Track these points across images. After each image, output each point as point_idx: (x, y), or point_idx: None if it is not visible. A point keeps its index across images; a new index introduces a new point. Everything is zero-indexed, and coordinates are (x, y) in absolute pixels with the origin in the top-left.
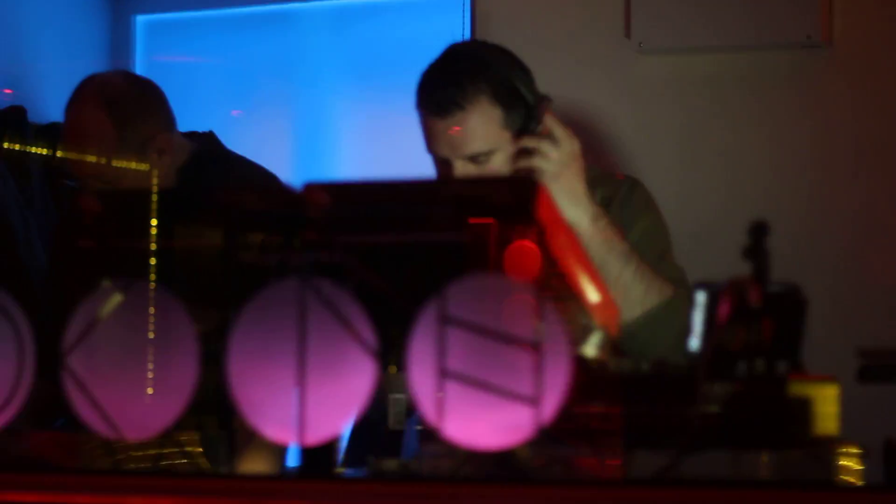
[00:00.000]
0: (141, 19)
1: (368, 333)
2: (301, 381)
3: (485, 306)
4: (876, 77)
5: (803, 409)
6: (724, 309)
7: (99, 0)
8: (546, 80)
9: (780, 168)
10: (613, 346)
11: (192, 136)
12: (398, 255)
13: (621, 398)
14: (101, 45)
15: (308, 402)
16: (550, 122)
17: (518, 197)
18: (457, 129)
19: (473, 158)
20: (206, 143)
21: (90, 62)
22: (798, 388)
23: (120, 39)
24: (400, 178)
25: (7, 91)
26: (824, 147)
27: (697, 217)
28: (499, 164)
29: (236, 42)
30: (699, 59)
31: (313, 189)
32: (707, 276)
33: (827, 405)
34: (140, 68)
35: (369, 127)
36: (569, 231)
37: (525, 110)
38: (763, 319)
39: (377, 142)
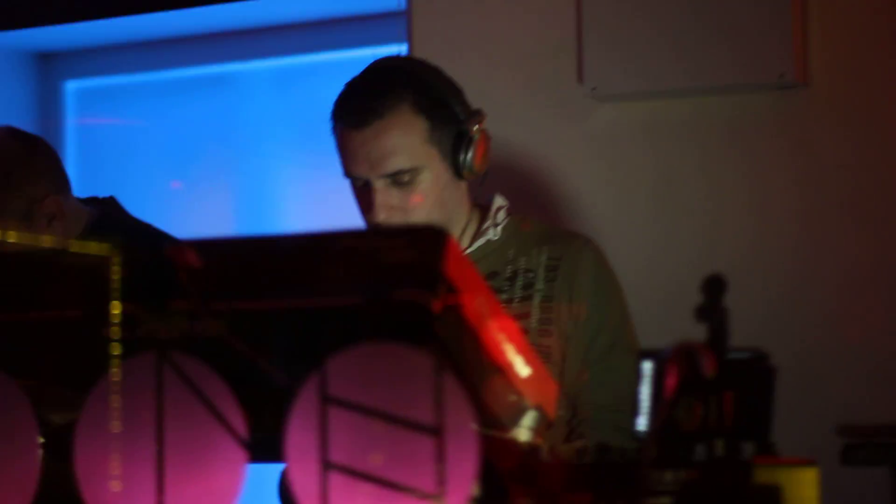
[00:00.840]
0: (71, 85)
1: (239, 420)
2: (158, 477)
3: (375, 382)
4: (858, 115)
5: (774, 499)
6: (670, 381)
7: (27, 65)
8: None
9: (758, 216)
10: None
11: (92, 201)
12: (281, 324)
13: (556, 489)
14: (29, 111)
15: None
16: None
17: (423, 252)
18: (374, 141)
19: (396, 179)
20: (108, 209)
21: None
22: (767, 474)
23: (49, 105)
24: (285, 232)
25: None
26: (807, 194)
27: (672, 275)
28: (426, 187)
29: (173, 106)
30: (664, 103)
31: (181, 249)
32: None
33: (804, 490)
34: (71, 134)
35: (315, 188)
36: (489, 294)
37: (454, 127)
38: (723, 392)
39: (324, 203)
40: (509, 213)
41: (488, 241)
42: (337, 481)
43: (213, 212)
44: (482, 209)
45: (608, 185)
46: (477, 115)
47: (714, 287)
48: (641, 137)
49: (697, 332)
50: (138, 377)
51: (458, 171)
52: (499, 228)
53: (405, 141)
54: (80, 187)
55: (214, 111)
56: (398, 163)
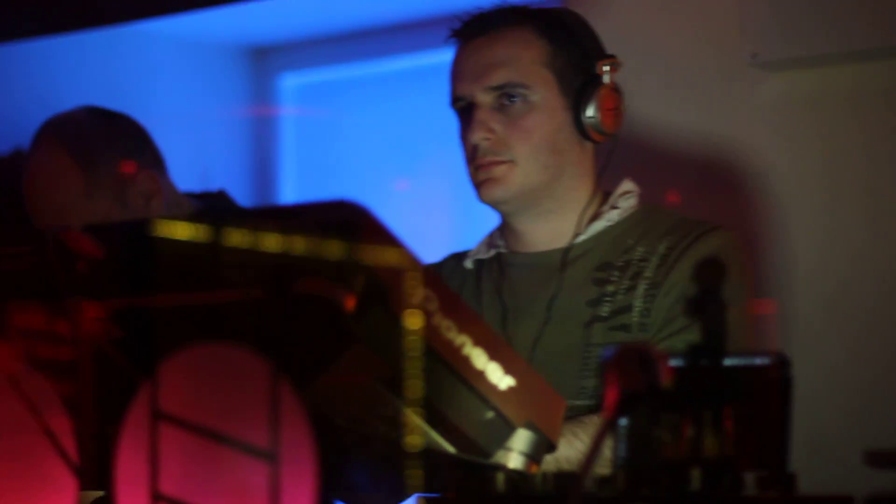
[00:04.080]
0: (287, 79)
1: (71, 442)
2: None
3: (207, 393)
4: None
5: None
6: (609, 394)
7: (242, 60)
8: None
9: None
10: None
11: (200, 196)
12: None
13: None
14: (244, 106)
15: None
16: None
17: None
18: (485, 49)
19: (501, 94)
20: (214, 203)
21: (236, 122)
22: None
23: (265, 100)
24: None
25: None
26: None
27: (841, 263)
28: (536, 119)
29: (393, 98)
30: (830, 70)
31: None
32: (847, 342)
33: None
34: (287, 129)
35: None
36: (441, 287)
37: (581, 59)
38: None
39: None
40: (639, 201)
41: (606, 228)
42: None
43: (437, 213)
44: (607, 194)
45: (778, 157)
46: (610, 60)
47: (706, 273)
48: (807, 107)
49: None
50: None
51: (578, 116)
52: (615, 213)
53: (519, 54)
54: (297, 182)
55: (438, 103)
56: (506, 74)
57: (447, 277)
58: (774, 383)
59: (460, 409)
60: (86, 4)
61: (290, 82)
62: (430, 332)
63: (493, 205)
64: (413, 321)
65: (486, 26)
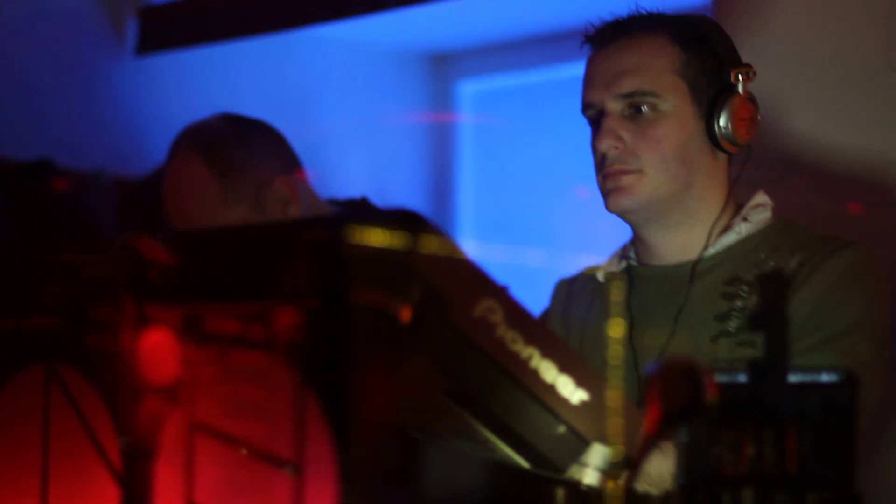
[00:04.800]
0: (465, 85)
1: (116, 450)
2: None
3: (240, 404)
4: None
5: None
6: (651, 411)
7: (422, 67)
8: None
9: None
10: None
11: (342, 203)
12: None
13: None
14: (423, 112)
15: None
16: None
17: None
18: (616, 56)
19: (632, 104)
20: (358, 210)
21: (414, 128)
22: None
23: (443, 106)
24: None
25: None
26: None
27: None
28: (667, 128)
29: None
30: None
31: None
32: None
33: None
34: (465, 135)
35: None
36: (506, 298)
37: (715, 68)
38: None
39: None
40: (773, 215)
41: (736, 242)
42: None
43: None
44: (740, 206)
45: None
46: (745, 68)
47: (772, 286)
48: None
49: None
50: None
51: (710, 125)
52: (746, 226)
53: (650, 62)
54: (474, 188)
55: None
56: (637, 82)
57: (579, 290)
58: (842, 402)
59: (529, 423)
60: (265, 10)
61: (469, 89)
62: (494, 343)
63: (621, 214)
64: (476, 332)
65: (619, 33)
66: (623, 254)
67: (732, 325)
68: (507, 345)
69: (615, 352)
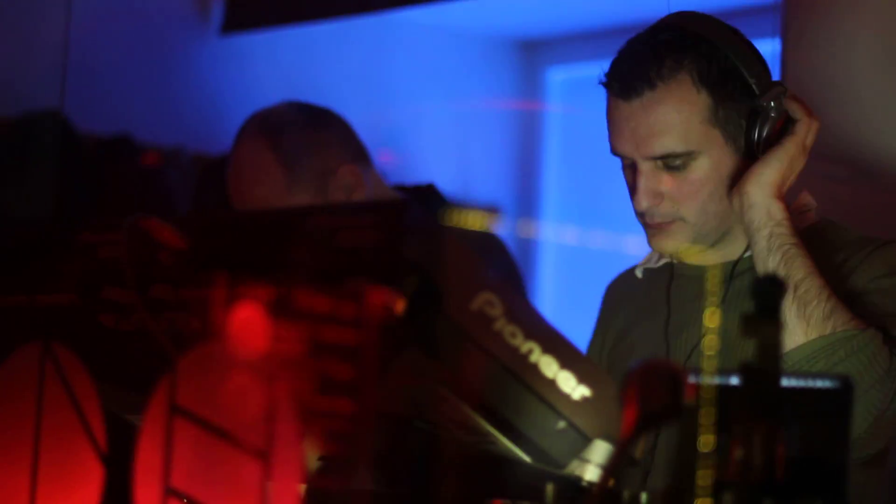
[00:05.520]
0: (554, 72)
1: (101, 428)
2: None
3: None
4: None
5: None
6: (628, 413)
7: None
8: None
9: None
10: (626, 464)
11: (410, 190)
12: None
13: None
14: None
15: None
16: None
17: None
18: (642, 115)
19: (666, 162)
20: (421, 197)
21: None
22: None
23: (532, 93)
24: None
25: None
26: None
27: None
28: (702, 174)
29: None
30: None
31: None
32: None
33: None
34: (553, 123)
35: None
36: (506, 291)
37: (745, 96)
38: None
39: None
40: (817, 217)
41: None
42: None
43: None
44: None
45: None
46: (776, 89)
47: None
48: None
49: None
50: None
51: (749, 156)
52: None
53: (679, 118)
54: (559, 176)
55: None
56: (668, 144)
57: (619, 286)
58: (836, 408)
59: (529, 418)
60: None
61: (557, 76)
62: (492, 337)
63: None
64: (472, 325)
65: (640, 84)
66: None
67: None
68: (505, 339)
69: (711, 341)
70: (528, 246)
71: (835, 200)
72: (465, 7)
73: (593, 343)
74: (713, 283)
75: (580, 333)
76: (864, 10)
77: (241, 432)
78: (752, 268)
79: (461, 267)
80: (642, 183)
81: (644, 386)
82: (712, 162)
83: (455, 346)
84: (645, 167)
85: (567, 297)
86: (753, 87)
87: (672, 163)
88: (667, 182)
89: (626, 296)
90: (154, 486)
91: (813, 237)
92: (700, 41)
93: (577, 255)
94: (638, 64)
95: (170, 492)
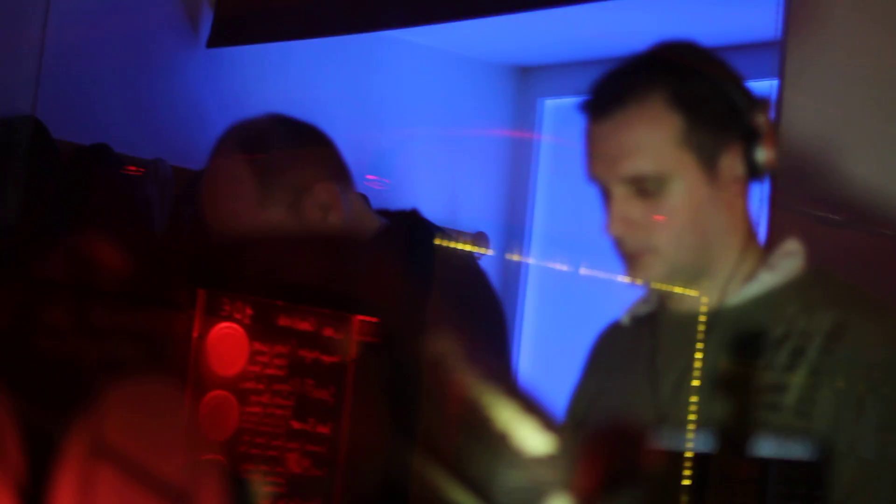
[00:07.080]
0: (548, 101)
1: (17, 455)
2: None
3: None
4: None
5: None
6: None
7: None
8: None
9: None
10: None
11: (391, 214)
12: None
13: None
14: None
15: None
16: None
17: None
18: (612, 136)
19: (637, 185)
20: (403, 222)
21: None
22: None
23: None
24: None
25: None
26: None
27: None
28: (676, 201)
29: None
30: None
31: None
32: None
33: None
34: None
35: None
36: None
37: (722, 120)
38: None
39: None
40: (804, 264)
41: (762, 294)
42: None
43: None
44: (764, 251)
45: None
46: (761, 106)
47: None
48: None
49: None
50: None
51: (754, 174)
52: (773, 276)
53: (650, 138)
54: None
55: None
56: (639, 165)
57: (606, 338)
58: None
59: (484, 469)
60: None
61: (552, 105)
62: (448, 387)
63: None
64: (426, 372)
65: (612, 104)
66: (647, 298)
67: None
68: (460, 388)
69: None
70: (516, 273)
71: (833, 245)
72: (463, 30)
73: (578, 395)
74: (697, 334)
75: (565, 363)
76: (863, 51)
77: (162, 472)
78: (736, 319)
79: (418, 308)
80: (614, 208)
81: (603, 449)
82: (686, 189)
83: (405, 391)
84: (617, 192)
85: (553, 325)
86: (731, 107)
87: (644, 186)
88: (638, 208)
89: (611, 347)
90: None
91: (801, 289)
92: (676, 64)
93: (564, 283)
94: (611, 85)
95: None
